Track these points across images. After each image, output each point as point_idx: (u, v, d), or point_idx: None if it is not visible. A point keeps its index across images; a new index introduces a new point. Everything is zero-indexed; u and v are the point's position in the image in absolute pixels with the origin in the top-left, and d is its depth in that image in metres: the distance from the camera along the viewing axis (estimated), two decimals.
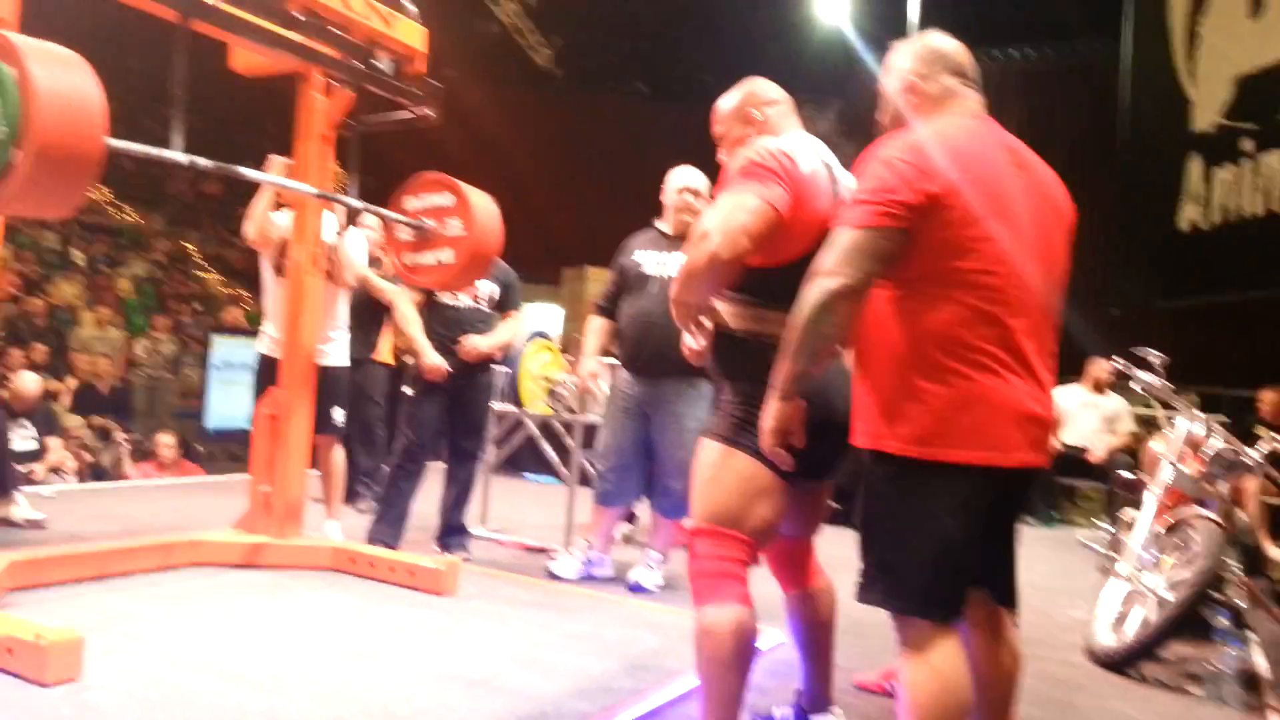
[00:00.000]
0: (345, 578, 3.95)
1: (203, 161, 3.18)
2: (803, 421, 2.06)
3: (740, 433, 2.24)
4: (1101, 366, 7.64)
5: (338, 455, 4.57)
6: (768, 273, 2.24)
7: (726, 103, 2.57)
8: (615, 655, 3.21)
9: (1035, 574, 5.34)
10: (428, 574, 3.82)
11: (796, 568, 2.57)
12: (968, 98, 2.15)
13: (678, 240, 4.22)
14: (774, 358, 2.13)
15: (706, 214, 2.21)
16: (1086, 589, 4.99)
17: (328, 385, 4.32)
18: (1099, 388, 7.70)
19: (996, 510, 2.06)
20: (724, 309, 2.35)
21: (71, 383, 8.99)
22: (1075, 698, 3.31)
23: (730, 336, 2.34)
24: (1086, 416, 7.66)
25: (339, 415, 4.50)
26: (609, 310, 4.40)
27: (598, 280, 12.07)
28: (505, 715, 2.59)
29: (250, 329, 9.71)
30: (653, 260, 4.23)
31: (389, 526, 4.45)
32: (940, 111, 2.12)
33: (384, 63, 3.98)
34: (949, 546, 1.95)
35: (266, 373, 4.31)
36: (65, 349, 10.10)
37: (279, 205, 4.31)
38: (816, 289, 1.94)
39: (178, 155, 3.13)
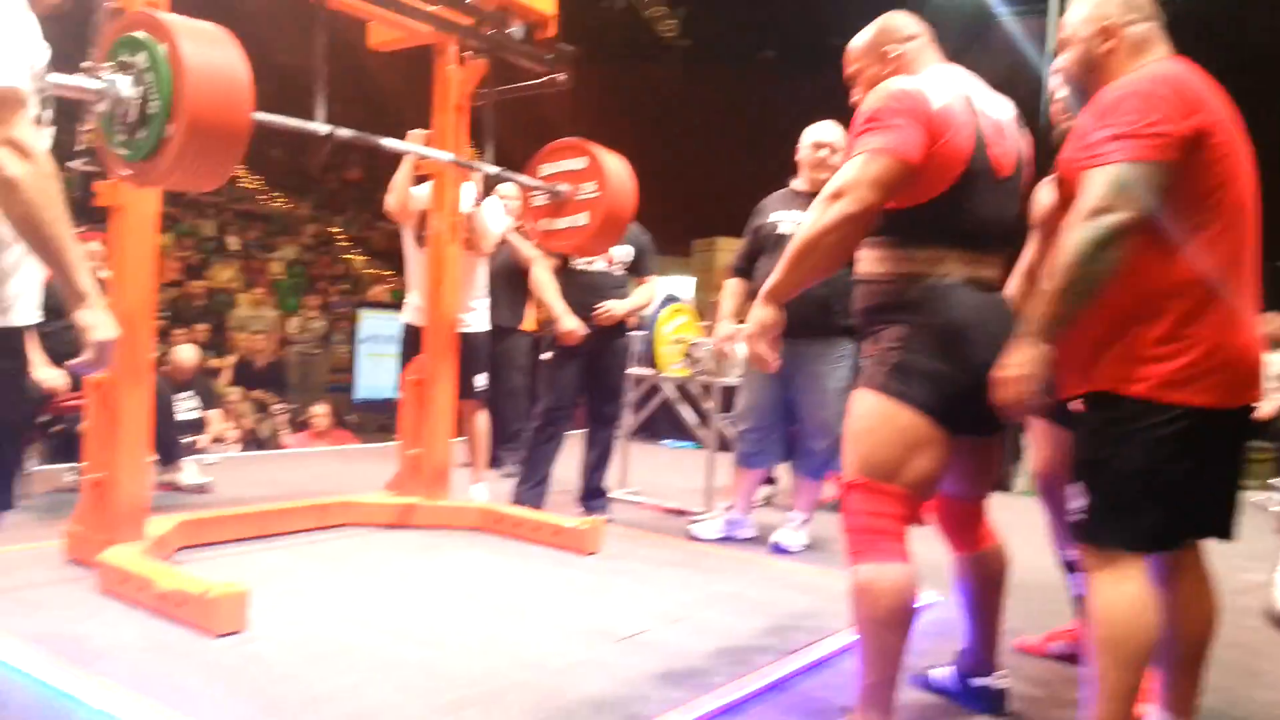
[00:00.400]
0: (492, 538, 4.02)
1: (343, 131, 3.24)
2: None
3: (896, 381, 2.13)
4: (1271, 321, 7.14)
5: (481, 420, 4.67)
6: (910, 212, 2.14)
7: (859, 40, 2.44)
8: (762, 614, 3.16)
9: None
10: (571, 533, 3.85)
11: (967, 529, 2.44)
12: (1166, 46, 2.05)
13: (814, 197, 4.11)
14: (921, 298, 2.07)
15: (835, 174, 2.12)
16: (1262, 551, 4.67)
17: (470, 351, 4.42)
18: (1268, 344, 7.19)
19: (1226, 449, 2.05)
20: (868, 255, 2.25)
21: (231, 359, 9.48)
22: (1259, 664, 3.09)
23: (878, 281, 2.24)
24: None
25: (481, 380, 4.58)
26: (745, 271, 4.32)
27: (728, 250, 11.93)
28: (657, 670, 2.58)
29: (395, 304, 10.03)
30: (789, 220, 4.14)
31: (532, 489, 4.51)
32: (1139, 59, 2.03)
33: (516, 29, 3.99)
34: (1185, 484, 1.96)
35: (411, 341, 4.43)
36: (224, 328, 10.66)
37: (419, 178, 4.40)
38: (1091, 226, 1.86)
39: (319, 126, 3.21)
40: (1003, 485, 4.50)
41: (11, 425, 1.77)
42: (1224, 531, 2.12)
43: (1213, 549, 2.17)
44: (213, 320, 10.70)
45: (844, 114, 2.45)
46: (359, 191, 18.89)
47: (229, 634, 2.62)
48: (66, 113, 2.23)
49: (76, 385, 4.07)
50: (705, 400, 5.19)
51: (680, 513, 4.85)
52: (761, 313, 2.22)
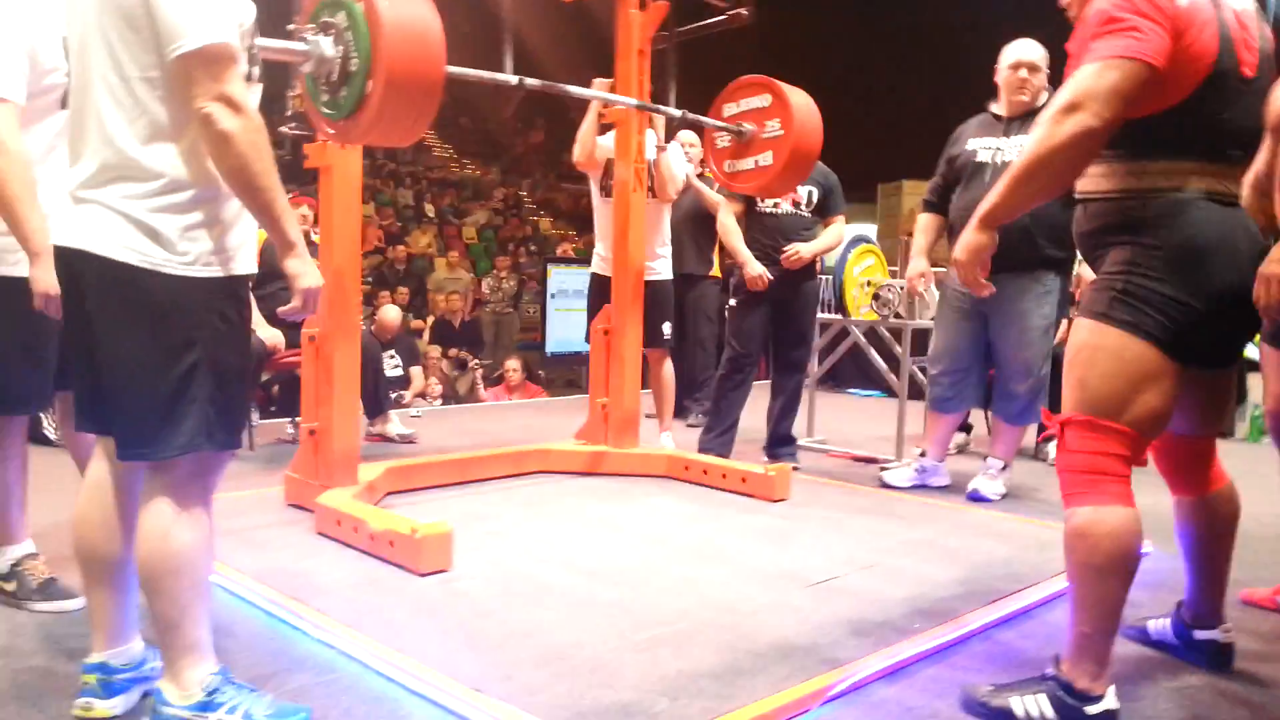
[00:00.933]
0: (679, 484, 4.05)
1: (531, 81, 3.29)
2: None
3: (1122, 308, 1.95)
4: None
5: (668, 368, 4.69)
6: (1144, 121, 1.93)
7: None
8: (959, 563, 3.05)
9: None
10: (759, 480, 3.83)
11: (1194, 470, 2.25)
12: None
13: (1014, 122, 3.88)
14: (1155, 215, 1.92)
15: (1066, 85, 1.91)
16: None
17: (655, 300, 4.42)
18: None
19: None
20: (1093, 170, 2.04)
21: (430, 319, 9.94)
22: None
23: (1105, 199, 2.04)
24: None
25: (668, 329, 4.59)
26: (938, 205, 4.13)
27: (914, 194, 11.48)
28: (850, 616, 2.53)
29: (581, 259, 10.23)
30: (987, 147, 3.92)
31: (718, 437, 4.50)
32: None
33: None
34: None
35: (599, 291, 4.48)
36: (424, 291, 11.17)
37: (603, 127, 4.42)
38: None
39: (509, 77, 3.27)
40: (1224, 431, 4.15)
41: (241, 369, 1.89)
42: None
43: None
44: (413, 284, 11.24)
45: (1041, 30, 2.26)
46: (543, 155, 19.34)
47: (435, 572, 2.75)
48: (276, 78, 2.34)
49: (293, 343, 4.35)
50: (896, 345, 5.03)
51: (870, 460, 4.74)
52: (974, 237, 2.07)
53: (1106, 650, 1.99)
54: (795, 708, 2.01)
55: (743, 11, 4.01)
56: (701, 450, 4.42)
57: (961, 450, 5.12)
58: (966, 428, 5.24)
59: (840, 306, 5.05)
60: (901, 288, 4.74)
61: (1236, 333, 2.06)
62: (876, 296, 4.91)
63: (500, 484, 3.98)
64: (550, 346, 8.30)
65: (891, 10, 15.87)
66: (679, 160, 4.51)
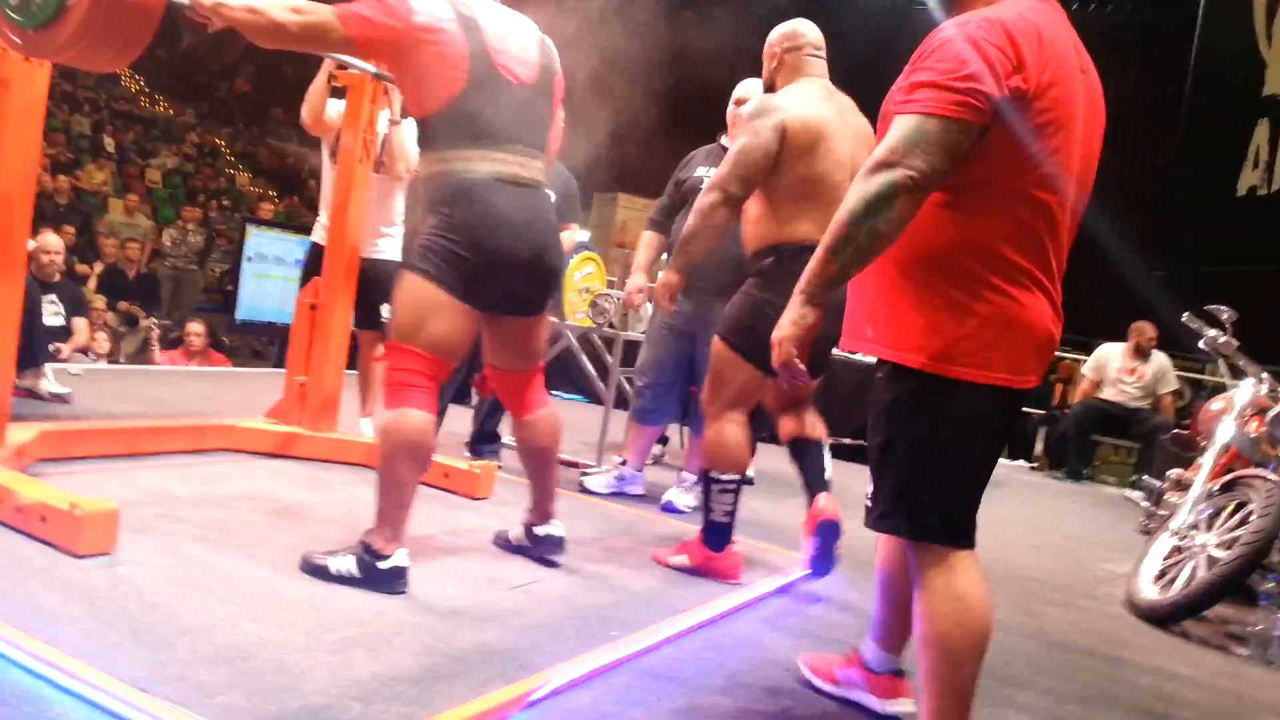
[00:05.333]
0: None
1: None
2: (816, 331, 1.82)
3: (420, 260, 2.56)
4: (1144, 329, 7.54)
5: (379, 352, 4.47)
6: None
7: None
8: (657, 572, 3.14)
9: (1070, 527, 5.33)
10: (462, 476, 3.74)
11: (517, 397, 2.89)
12: None
13: None
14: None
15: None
16: (1121, 543, 4.91)
17: (375, 280, 4.20)
18: (1140, 350, 7.56)
19: (1001, 432, 1.88)
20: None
21: (98, 267, 8.91)
22: (1122, 652, 3.23)
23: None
24: (1126, 377, 7.58)
25: (385, 312, 4.38)
26: (663, 225, 4.26)
27: (628, 207, 11.84)
28: (549, 621, 2.52)
29: (284, 223, 9.62)
30: (712, 174, 4.07)
31: (486, 443, 4.39)
32: None
33: None
34: (972, 469, 1.83)
35: (314, 262, 4.20)
36: (91, 231, 10.00)
37: (336, 91, 4.16)
38: (875, 180, 1.68)
39: None
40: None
41: None
42: None
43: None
44: (78, 222, 10.02)
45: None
46: (247, 104, 18.01)
47: (96, 554, 2.44)
48: None
49: None
50: (607, 354, 5.12)
51: (572, 464, 4.78)
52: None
53: (400, 522, 2.53)
54: (494, 714, 1.96)
55: None
56: (472, 456, 4.27)
57: (657, 461, 5.30)
58: (663, 440, 5.43)
59: (557, 310, 5.07)
60: (618, 299, 4.83)
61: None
62: (594, 304, 4.97)
63: (176, 460, 3.59)
64: (240, 314, 7.71)
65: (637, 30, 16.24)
66: (414, 137, 4.32)
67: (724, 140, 4.19)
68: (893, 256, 1.79)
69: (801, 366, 1.84)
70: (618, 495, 4.26)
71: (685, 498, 4.18)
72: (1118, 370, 7.59)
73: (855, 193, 1.71)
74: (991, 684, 2.61)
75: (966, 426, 1.80)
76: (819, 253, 1.76)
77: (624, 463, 4.38)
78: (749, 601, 2.98)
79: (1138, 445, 7.67)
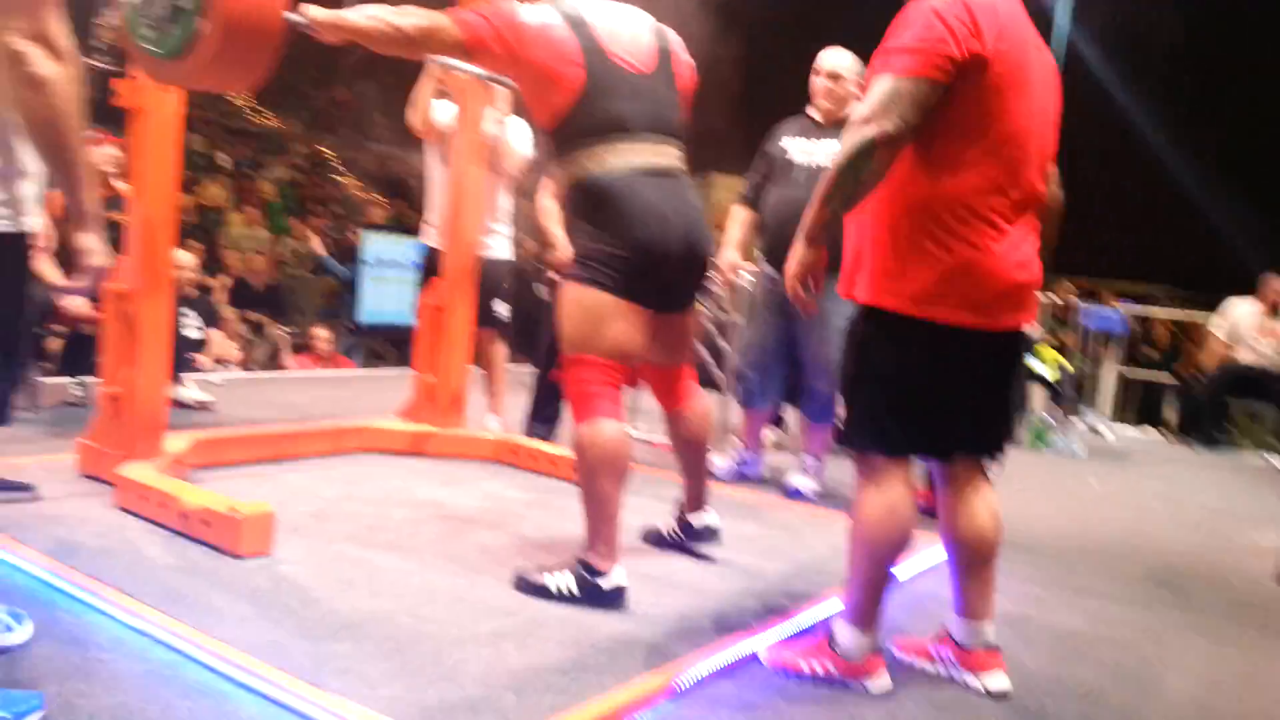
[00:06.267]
0: (508, 469, 3.97)
1: None
2: (822, 265, 2.11)
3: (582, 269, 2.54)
4: (1276, 284, 7.18)
5: (499, 349, 4.57)
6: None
7: None
8: (785, 558, 3.14)
9: (1210, 498, 5.12)
10: None
11: (670, 393, 2.89)
12: None
13: (827, 127, 4.02)
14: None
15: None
16: (1266, 514, 4.70)
17: (489, 278, 4.30)
18: (1277, 308, 7.21)
19: (983, 369, 2.14)
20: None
21: (225, 280, 9.29)
22: (1273, 621, 3.09)
23: None
24: (1263, 339, 7.23)
25: (501, 309, 4.48)
26: (753, 200, 4.21)
27: (722, 187, 11.74)
28: (688, 610, 2.55)
29: (397, 227, 9.87)
30: (801, 149, 4.03)
31: (543, 423, 4.45)
32: None
33: None
34: (929, 398, 2.08)
35: (431, 265, 4.32)
36: (215, 247, 10.44)
37: (442, 93, 4.26)
38: (855, 135, 1.95)
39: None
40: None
41: (11, 338, 1.67)
42: (992, 451, 2.26)
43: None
44: (203, 239, 10.47)
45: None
46: (350, 112, 18.50)
47: (255, 555, 2.57)
48: (83, 5, 2.09)
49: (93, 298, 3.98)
50: (720, 337, 5.11)
51: None
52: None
53: (612, 536, 2.48)
54: (641, 703, 2.00)
55: None
56: (527, 435, 4.35)
57: (779, 447, 5.28)
58: (779, 421, 5.41)
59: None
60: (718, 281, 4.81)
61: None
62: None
63: (318, 462, 3.76)
64: (364, 317, 7.94)
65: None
66: (520, 135, 4.40)
67: (810, 111, 4.14)
68: (879, 213, 2.07)
69: (810, 299, 2.13)
70: (739, 479, 4.27)
71: (810, 482, 4.15)
72: (1253, 330, 7.23)
73: (842, 148, 1.98)
74: (1139, 664, 2.55)
75: (928, 361, 2.07)
76: (814, 200, 2.03)
77: (744, 447, 4.38)
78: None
79: (1277, 408, 7.30)
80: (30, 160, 1.61)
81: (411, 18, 2.45)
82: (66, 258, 3.89)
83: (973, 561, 2.25)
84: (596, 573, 2.46)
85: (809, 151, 4.00)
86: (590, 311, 2.49)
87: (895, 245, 2.05)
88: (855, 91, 3.98)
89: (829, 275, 3.86)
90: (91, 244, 1.65)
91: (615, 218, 2.49)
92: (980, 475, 2.26)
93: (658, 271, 2.52)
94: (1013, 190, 2.03)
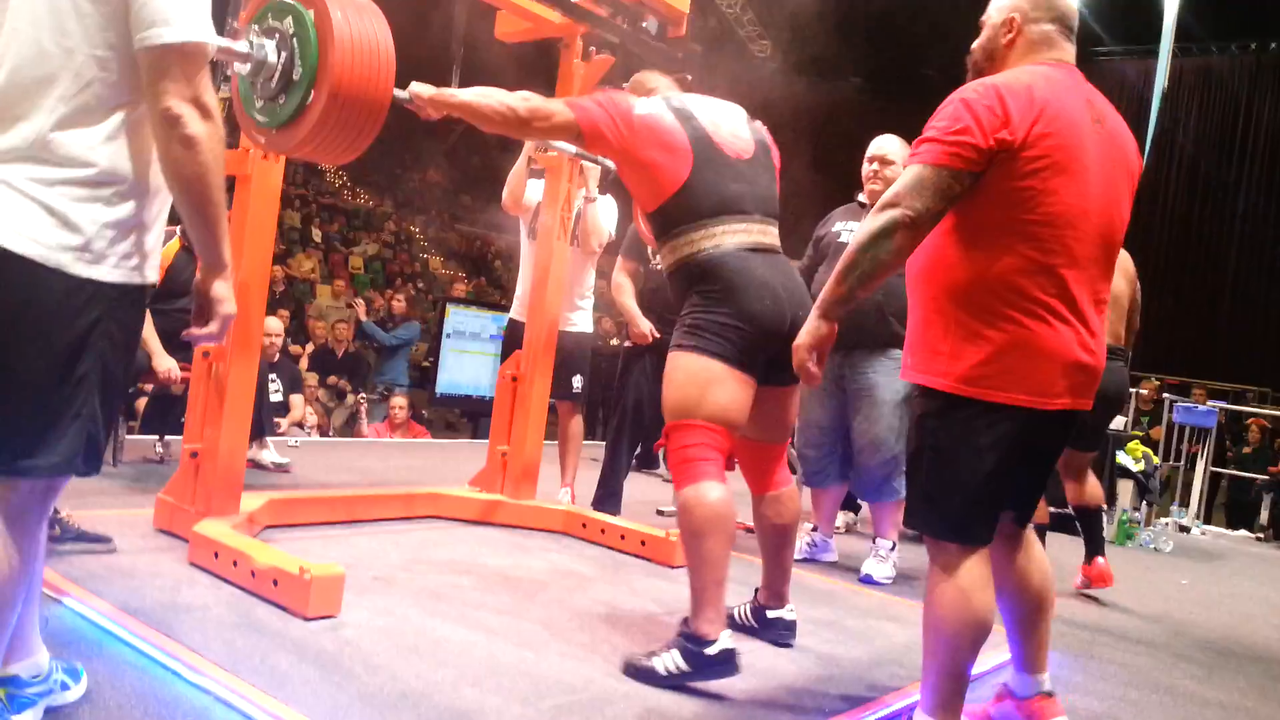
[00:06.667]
0: (576, 541, 3.92)
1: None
2: (830, 341, 2.13)
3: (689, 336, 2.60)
4: None
5: (576, 423, 4.56)
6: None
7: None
8: (861, 645, 3.02)
9: None
10: (658, 544, 3.74)
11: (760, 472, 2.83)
12: (1064, 50, 2.15)
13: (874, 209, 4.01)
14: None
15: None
16: None
17: (569, 351, 4.32)
18: None
19: (1035, 447, 2.11)
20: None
21: (310, 347, 9.54)
22: None
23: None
24: None
25: (579, 382, 4.48)
26: (805, 281, 4.21)
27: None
28: (762, 694, 2.45)
29: (478, 301, 10.05)
30: (849, 229, 4.07)
31: (610, 496, 4.42)
32: (1033, 56, 2.12)
33: (650, 23, 3.91)
34: (986, 479, 2.03)
35: (512, 337, 4.36)
36: (303, 316, 10.75)
37: (534, 172, 4.35)
38: (879, 216, 1.99)
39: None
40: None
41: (124, 387, 1.71)
42: (1026, 520, 2.26)
43: None
44: (291, 307, 10.79)
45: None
46: (439, 193, 19.09)
47: (322, 617, 2.55)
48: None
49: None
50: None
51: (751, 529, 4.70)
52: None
53: (719, 600, 2.42)
54: None
55: (688, 78, 4.00)
56: (595, 508, 4.31)
57: (849, 529, 5.15)
58: (854, 507, 5.28)
59: None
60: None
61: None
62: None
63: (388, 526, 3.76)
64: (440, 387, 8.05)
65: (791, 98, 16.42)
66: (607, 213, 4.46)
67: (861, 198, 4.15)
68: (927, 294, 2.10)
69: (816, 371, 2.14)
70: (809, 562, 4.16)
71: (883, 567, 4.01)
72: None
73: (864, 227, 2.02)
74: None
75: (983, 441, 2.02)
76: (833, 275, 2.07)
77: (814, 529, 4.28)
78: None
79: None
80: (159, 215, 1.67)
81: (521, 99, 2.56)
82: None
83: (1031, 616, 2.27)
84: (704, 641, 2.40)
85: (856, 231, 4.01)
86: (697, 377, 2.51)
87: (945, 326, 2.05)
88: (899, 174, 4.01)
89: (876, 351, 3.89)
90: (225, 293, 1.69)
91: (731, 290, 2.54)
92: (1027, 531, 2.28)
93: (768, 344, 2.54)
94: (1066, 270, 2.00)
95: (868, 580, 3.95)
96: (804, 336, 2.12)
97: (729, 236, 2.58)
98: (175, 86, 1.51)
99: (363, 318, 8.95)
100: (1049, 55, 2.12)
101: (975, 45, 2.24)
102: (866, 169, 4.08)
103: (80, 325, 1.54)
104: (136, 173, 1.58)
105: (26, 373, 1.52)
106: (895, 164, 3.99)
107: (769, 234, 2.69)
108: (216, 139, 1.56)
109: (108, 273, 1.55)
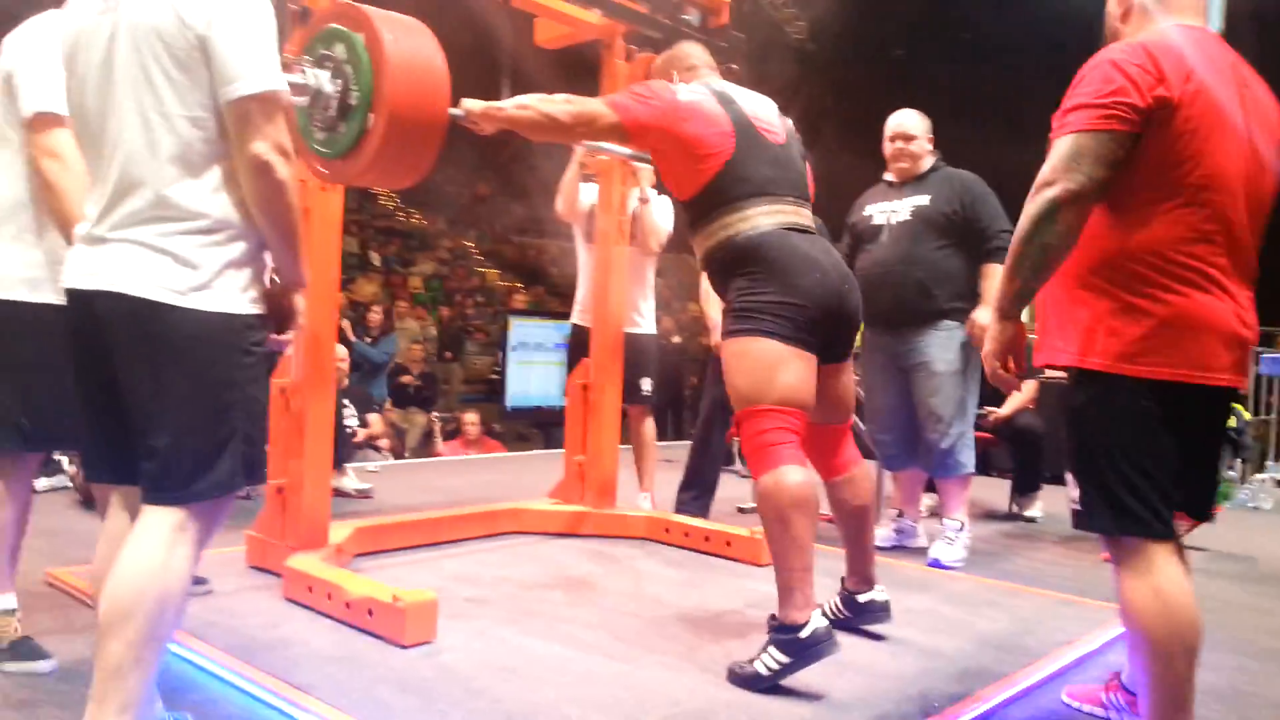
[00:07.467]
0: (660, 547, 3.90)
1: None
2: (1021, 341, 2.02)
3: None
4: None
5: (649, 426, 4.53)
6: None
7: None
8: (962, 634, 2.94)
9: None
10: (744, 543, 3.70)
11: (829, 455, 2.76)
12: (1179, 7, 2.00)
13: (905, 185, 4.00)
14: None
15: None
16: None
17: (637, 354, 4.29)
18: None
19: (1200, 429, 1.95)
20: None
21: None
22: None
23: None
24: None
25: (647, 385, 4.45)
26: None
27: None
28: (864, 694, 2.40)
29: (539, 311, 10.08)
30: (882, 210, 4.00)
31: (696, 498, 4.38)
32: (1147, 23, 2.00)
33: (692, 15, 3.87)
34: (1164, 463, 1.89)
35: (577, 343, 4.34)
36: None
37: (586, 177, 4.33)
38: (1036, 201, 1.87)
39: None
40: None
41: (266, 406, 1.98)
42: (1203, 515, 2.07)
43: None
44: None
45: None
46: (489, 207, 19.22)
47: (419, 644, 2.56)
48: None
49: None
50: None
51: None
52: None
53: (806, 586, 2.37)
54: None
55: (733, 68, 3.94)
56: (679, 511, 4.28)
57: (935, 514, 5.04)
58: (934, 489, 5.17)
59: None
60: None
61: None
62: None
63: (473, 545, 3.78)
64: (510, 401, 8.09)
65: (829, 79, 16.17)
66: (665, 212, 4.42)
67: (888, 176, 4.08)
68: (1071, 271, 1.94)
69: (1012, 378, 2.03)
70: (898, 549, 4.08)
71: (952, 550, 3.87)
72: None
73: (1025, 214, 1.89)
74: None
75: (1153, 422, 1.87)
76: (1004, 272, 1.96)
77: (900, 514, 4.20)
78: (1075, 663, 2.74)
79: None
80: (258, 247, 1.82)
81: (563, 104, 2.56)
82: None
83: None
84: (794, 628, 2.35)
85: (889, 210, 3.99)
86: (760, 360, 2.46)
87: (1094, 301, 1.91)
88: (927, 147, 4.00)
89: (926, 326, 3.79)
90: (302, 304, 1.91)
91: (776, 269, 2.51)
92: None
93: (822, 320, 2.51)
94: (1221, 237, 1.87)
95: (935, 564, 3.83)
96: (989, 344, 2.02)
97: (765, 218, 2.55)
98: (261, 134, 1.70)
99: (351, 337, 8.69)
100: (1166, 20, 1.98)
101: (1111, 11, 2.10)
102: (889, 147, 4.03)
103: (221, 357, 1.74)
104: (243, 216, 1.77)
105: (182, 409, 1.72)
106: (919, 138, 3.97)
107: (803, 214, 2.65)
108: (296, 179, 1.76)
109: (234, 305, 1.75)
